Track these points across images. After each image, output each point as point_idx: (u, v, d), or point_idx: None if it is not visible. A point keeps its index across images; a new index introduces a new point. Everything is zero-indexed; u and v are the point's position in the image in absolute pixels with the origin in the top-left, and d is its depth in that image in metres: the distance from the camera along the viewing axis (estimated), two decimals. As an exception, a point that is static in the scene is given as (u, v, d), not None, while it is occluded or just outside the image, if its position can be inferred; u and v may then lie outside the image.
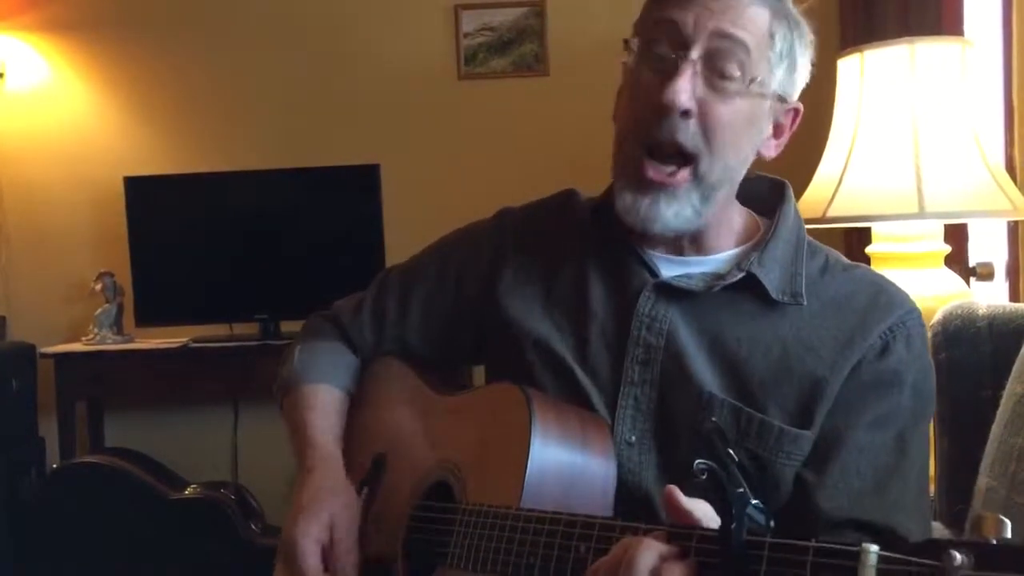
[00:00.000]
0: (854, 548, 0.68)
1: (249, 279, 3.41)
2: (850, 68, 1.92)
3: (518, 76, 3.52)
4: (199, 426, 3.53)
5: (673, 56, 1.00)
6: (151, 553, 2.90)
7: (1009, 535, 0.62)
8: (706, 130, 1.01)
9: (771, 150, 1.10)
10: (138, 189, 3.37)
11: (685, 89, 0.99)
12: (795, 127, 1.10)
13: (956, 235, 2.23)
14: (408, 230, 3.48)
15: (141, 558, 2.90)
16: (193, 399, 3.53)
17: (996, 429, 1.36)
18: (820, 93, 2.16)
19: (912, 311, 1.06)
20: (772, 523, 0.79)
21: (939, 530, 1.47)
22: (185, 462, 3.25)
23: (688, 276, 1.08)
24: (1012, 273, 2.22)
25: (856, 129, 1.88)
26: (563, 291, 1.13)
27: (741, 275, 1.05)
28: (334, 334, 1.33)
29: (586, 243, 1.15)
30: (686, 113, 1.00)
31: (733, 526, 0.74)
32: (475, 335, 1.22)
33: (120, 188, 3.36)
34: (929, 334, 1.54)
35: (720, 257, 1.10)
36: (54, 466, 3.13)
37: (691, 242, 1.10)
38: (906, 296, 1.08)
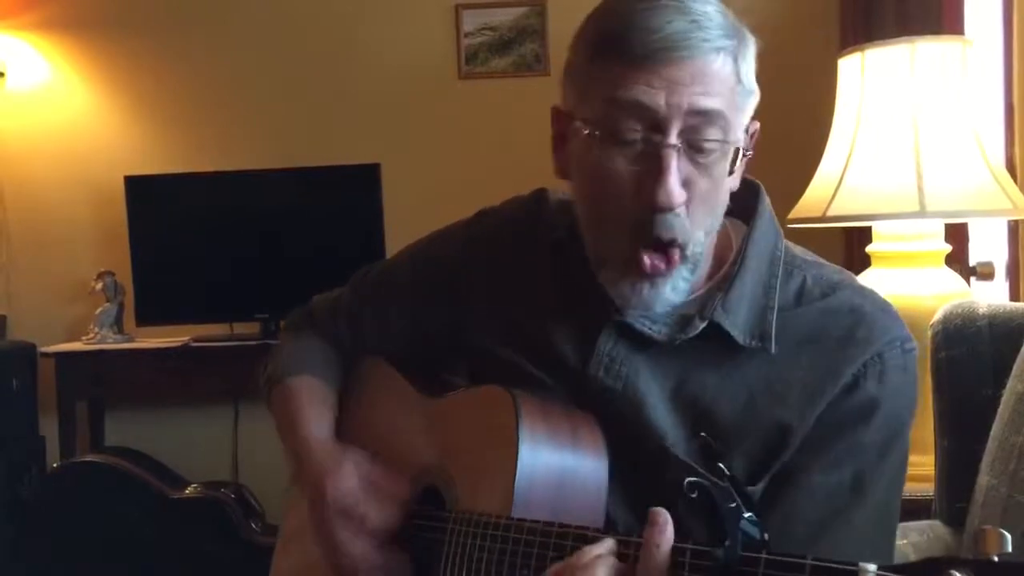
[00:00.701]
0: (851, 567, 0.66)
1: (249, 278, 3.41)
2: (851, 67, 1.92)
3: (519, 76, 3.52)
4: (199, 425, 3.54)
5: (650, 141, 0.92)
6: (151, 552, 2.90)
7: (1010, 550, 0.61)
8: (694, 212, 0.94)
9: (737, 179, 1.01)
10: (139, 188, 3.37)
11: (678, 184, 0.92)
12: (754, 143, 1.01)
13: (957, 234, 2.23)
14: (408, 229, 3.46)
15: (141, 557, 2.90)
16: (193, 398, 3.53)
17: (997, 427, 1.36)
18: (821, 93, 2.17)
19: (892, 342, 0.98)
20: (766, 536, 0.79)
21: (939, 528, 1.47)
22: (185, 461, 3.25)
23: (651, 320, 1.01)
24: (1012, 272, 2.22)
25: (857, 128, 1.88)
26: (529, 320, 1.08)
27: (703, 325, 0.99)
28: (315, 333, 1.32)
29: (551, 269, 1.10)
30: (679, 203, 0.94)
31: (727, 542, 0.73)
32: (449, 349, 1.19)
33: (121, 187, 3.36)
34: (929, 333, 1.54)
35: (686, 299, 1.02)
36: (54, 465, 3.14)
37: None
38: (890, 320, 1.01)
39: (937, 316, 1.55)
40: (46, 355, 3.29)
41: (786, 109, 3.56)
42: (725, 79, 0.93)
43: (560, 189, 1.17)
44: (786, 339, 0.99)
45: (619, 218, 0.95)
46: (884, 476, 0.99)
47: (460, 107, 3.54)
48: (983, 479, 1.35)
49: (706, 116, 0.92)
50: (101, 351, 3.32)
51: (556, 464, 0.98)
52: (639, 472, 1.00)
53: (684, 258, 0.96)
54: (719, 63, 0.92)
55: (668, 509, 0.90)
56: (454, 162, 3.51)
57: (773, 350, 0.98)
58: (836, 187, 1.88)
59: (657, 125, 0.91)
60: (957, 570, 0.60)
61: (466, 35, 3.53)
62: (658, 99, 0.90)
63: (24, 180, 3.58)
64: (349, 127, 3.53)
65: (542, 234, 1.12)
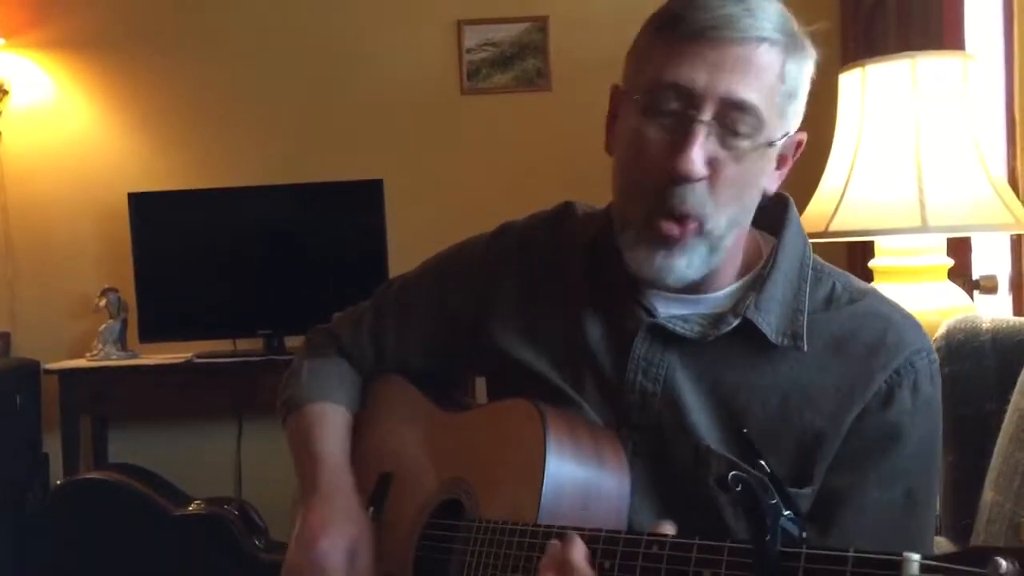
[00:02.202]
0: (895, 557, 0.66)
1: (253, 295, 3.42)
2: (852, 83, 1.92)
3: (520, 91, 3.53)
4: (203, 441, 3.53)
5: (684, 115, 0.95)
6: (154, 569, 2.89)
7: None
8: (713, 189, 0.96)
9: (773, 183, 1.05)
10: (142, 205, 3.38)
11: (700, 157, 0.94)
12: (799, 155, 1.05)
13: (959, 248, 2.23)
14: (411, 245, 3.48)
15: (144, 574, 2.89)
16: (197, 415, 3.53)
17: (1001, 443, 1.36)
18: (822, 108, 2.16)
19: (921, 350, 1.01)
20: (805, 535, 0.79)
21: (944, 545, 1.47)
22: (189, 478, 3.24)
23: (684, 319, 1.03)
24: (1015, 286, 2.21)
25: (858, 143, 1.89)
26: (559, 326, 1.10)
27: (737, 321, 1.01)
28: (336, 352, 1.32)
29: (582, 275, 1.11)
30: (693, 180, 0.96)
31: (768, 538, 0.73)
32: (473, 361, 1.21)
33: (124, 204, 3.37)
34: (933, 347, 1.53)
35: (718, 295, 1.05)
36: (58, 482, 3.13)
37: (696, 285, 1.05)
38: (917, 330, 1.03)
39: (940, 331, 1.55)
40: (50, 372, 3.30)
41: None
42: (766, 72, 0.95)
43: (585, 202, 1.20)
44: (816, 341, 1.00)
45: (644, 183, 0.98)
46: (931, 486, 1.02)
47: (462, 123, 3.55)
48: (988, 495, 1.34)
49: (740, 106, 0.94)
50: (105, 368, 3.33)
51: (582, 477, 0.99)
52: (677, 475, 1.01)
53: (702, 234, 0.98)
54: (763, 53, 0.95)
55: (707, 509, 0.95)
56: (456, 177, 3.52)
57: (805, 348, 1.00)
58: (838, 202, 1.88)
59: (693, 102, 0.94)
60: (1003, 558, 0.60)
61: (468, 51, 3.54)
62: (699, 78, 0.94)
63: (28, 197, 3.59)
64: (352, 143, 3.54)
65: (568, 244, 1.14)
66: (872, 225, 1.84)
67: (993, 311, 2.06)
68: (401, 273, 1.34)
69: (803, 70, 0.99)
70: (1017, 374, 1.38)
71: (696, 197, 0.96)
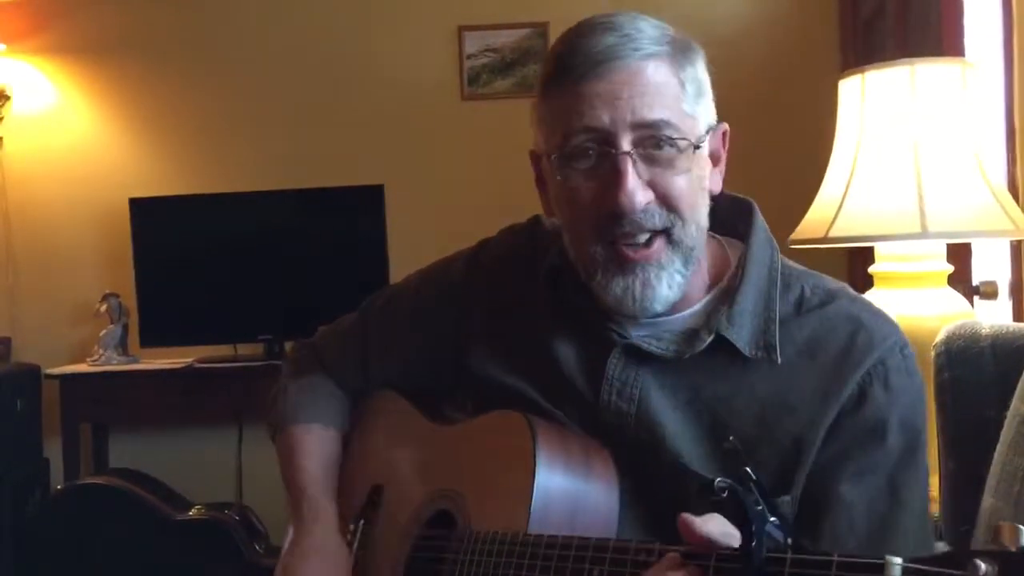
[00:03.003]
0: (878, 560, 0.67)
1: (253, 300, 3.42)
2: (851, 89, 1.93)
3: (521, 97, 3.53)
4: (203, 447, 3.54)
5: (605, 154, 0.96)
6: (154, 574, 2.89)
7: None
8: (671, 206, 0.98)
9: (716, 183, 1.05)
10: (143, 210, 3.39)
11: (636, 186, 0.96)
12: (727, 145, 1.06)
13: (959, 254, 2.23)
14: (412, 250, 3.49)
15: (145, 579, 2.89)
16: (197, 420, 3.53)
17: (1001, 449, 1.35)
18: (821, 114, 2.18)
19: (892, 345, 1.01)
20: (790, 540, 0.79)
21: (943, 549, 1.46)
22: (189, 483, 3.24)
23: (658, 337, 1.03)
24: (1016, 292, 2.21)
25: (858, 150, 1.89)
26: (536, 349, 1.10)
27: (711, 338, 1.01)
28: (321, 370, 1.33)
29: (553, 297, 1.11)
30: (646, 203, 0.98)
31: (753, 544, 0.74)
32: (454, 380, 1.20)
33: (125, 209, 3.38)
34: (932, 354, 1.53)
35: (688, 313, 1.05)
36: (58, 487, 3.13)
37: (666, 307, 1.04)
38: (887, 326, 1.04)
39: (940, 337, 1.54)
40: (50, 377, 3.30)
41: (787, 131, 3.58)
42: (664, 86, 0.97)
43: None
44: (789, 348, 1.01)
45: (594, 228, 0.99)
46: (917, 478, 1.01)
47: (463, 128, 3.55)
48: (987, 502, 1.34)
49: (652, 125, 0.96)
50: (105, 373, 3.33)
51: (571, 488, 0.99)
52: (657, 493, 1.01)
53: (673, 245, 0.99)
54: (653, 71, 0.96)
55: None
56: (457, 183, 3.52)
57: (779, 360, 1.00)
58: (838, 208, 1.88)
59: (608, 139, 0.96)
60: (982, 560, 0.60)
61: (469, 56, 3.55)
62: (602, 115, 0.95)
63: (30, 202, 3.60)
64: (353, 149, 3.55)
65: (540, 263, 1.13)
66: (872, 231, 1.84)
67: (993, 317, 2.06)
68: (388, 286, 1.35)
69: (698, 68, 1.01)
70: (1017, 380, 1.37)
71: (653, 218, 0.98)
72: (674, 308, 1.04)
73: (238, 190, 3.43)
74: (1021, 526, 0.62)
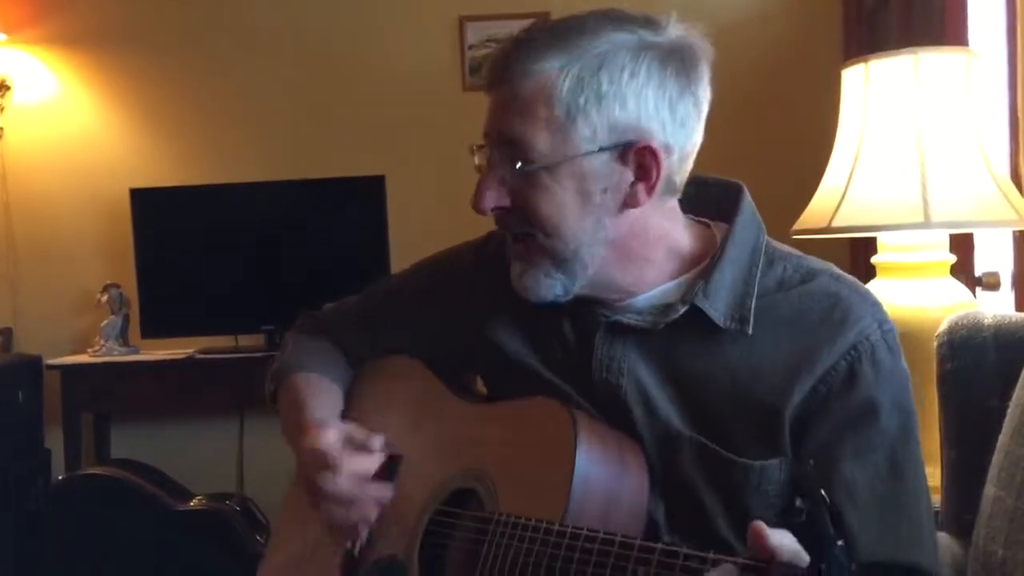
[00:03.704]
0: None
1: (254, 290, 3.42)
2: (854, 78, 1.92)
3: (523, 87, 3.52)
4: (204, 437, 3.54)
5: (484, 152, 1.06)
6: (156, 565, 2.90)
7: None
8: (529, 216, 1.03)
9: (642, 197, 1.03)
10: (144, 201, 3.38)
11: (486, 193, 1.04)
12: (662, 164, 1.01)
13: (962, 245, 2.22)
14: (413, 241, 3.48)
15: (146, 569, 2.90)
16: (198, 410, 3.53)
17: (1003, 439, 1.35)
18: (824, 104, 2.17)
19: (872, 322, 1.03)
20: (854, 566, 0.79)
21: (946, 540, 1.47)
22: (190, 473, 3.25)
23: (637, 312, 1.07)
24: (1018, 283, 2.21)
25: (861, 139, 1.88)
26: (536, 330, 1.13)
27: (685, 308, 1.03)
28: (326, 337, 1.36)
29: None
30: (502, 209, 1.04)
31: (823, 566, 0.74)
32: (464, 357, 1.23)
33: (126, 200, 3.37)
34: (935, 344, 1.53)
35: (665, 288, 1.08)
36: (60, 477, 3.14)
37: (615, 292, 1.08)
38: (867, 302, 1.05)
39: (942, 327, 1.54)
40: (51, 368, 3.30)
41: (790, 120, 3.57)
42: (532, 103, 1.00)
43: None
44: (767, 322, 1.03)
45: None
46: (914, 455, 1.03)
47: (464, 119, 3.51)
48: (990, 490, 1.34)
49: (509, 140, 1.01)
50: (106, 363, 3.33)
51: (606, 481, 1.00)
52: (655, 462, 1.04)
53: (541, 251, 1.04)
54: (527, 87, 1.00)
55: (686, 492, 0.99)
56: (458, 174, 3.49)
57: (750, 331, 1.02)
58: (840, 198, 1.88)
59: (487, 143, 1.05)
60: None
61: (470, 47, 3.54)
62: (486, 123, 1.05)
63: (30, 193, 3.59)
64: (354, 139, 3.54)
65: None
66: (874, 221, 1.84)
67: (996, 308, 2.06)
68: (395, 273, 1.37)
69: (604, 82, 0.98)
70: (1019, 370, 1.37)
71: (510, 224, 1.06)
72: (635, 292, 1.08)
73: (239, 181, 3.42)
74: None
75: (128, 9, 3.57)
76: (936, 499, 1.59)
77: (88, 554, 2.91)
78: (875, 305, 1.05)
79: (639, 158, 1.01)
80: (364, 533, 1.17)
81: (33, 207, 3.60)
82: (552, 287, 1.05)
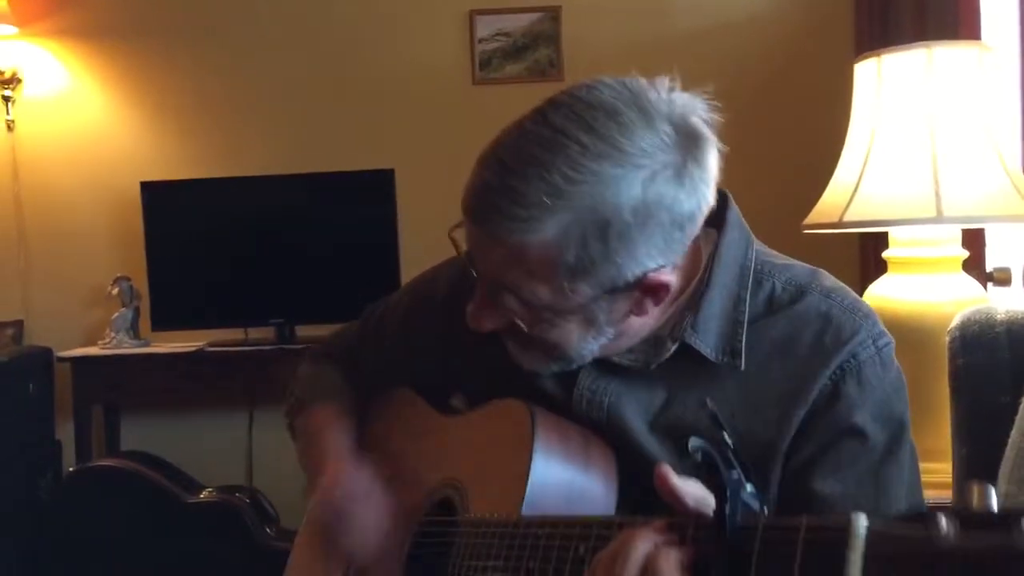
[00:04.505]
0: (842, 520, 0.66)
1: (264, 284, 3.42)
2: (867, 72, 1.91)
3: (533, 81, 3.52)
4: (214, 430, 3.55)
5: (473, 275, 0.97)
6: (166, 556, 2.91)
7: (994, 502, 0.62)
8: (532, 337, 0.97)
9: (649, 308, 0.98)
10: (155, 194, 3.39)
11: (485, 314, 0.97)
12: (671, 284, 0.96)
13: (974, 240, 2.22)
14: (422, 235, 3.48)
15: (156, 561, 2.91)
16: (209, 403, 3.54)
17: (1015, 435, 1.35)
18: (837, 98, 2.16)
19: (864, 339, 0.98)
20: (766, 509, 0.79)
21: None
22: (200, 466, 3.26)
23: (629, 349, 1.02)
24: (1030, 278, 2.20)
25: (873, 133, 1.88)
26: (512, 363, 1.07)
27: (675, 346, 0.99)
28: (334, 367, 1.37)
29: None
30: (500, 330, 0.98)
31: (728, 510, 0.73)
32: (445, 387, 1.21)
33: (137, 193, 3.38)
34: (947, 339, 1.53)
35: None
36: (70, 469, 3.15)
37: None
38: (858, 319, 1.00)
39: (954, 322, 1.54)
40: (62, 360, 3.31)
41: (802, 114, 3.56)
42: (530, 263, 0.90)
43: None
44: (758, 351, 1.00)
45: None
46: (901, 469, 0.99)
47: (474, 113, 3.54)
48: (1001, 487, 1.34)
49: (506, 288, 0.93)
50: (117, 356, 3.34)
51: (567, 479, 0.99)
52: (637, 494, 1.00)
53: (544, 348, 0.99)
54: (527, 250, 0.89)
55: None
56: (468, 168, 3.49)
57: (742, 367, 0.98)
58: (852, 193, 1.87)
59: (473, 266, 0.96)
60: (944, 516, 0.61)
61: (480, 41, 3.53)
62: (476, 257, 0.95)
63: (41, 186, 3.60)
64: (363, 133, 3.54)
65: None
66: (886, 216, 1.83)
67: (1007, 303, 2.05)
68: (388, 296, 1.36)
69: (596, 243, 0.89)
70: (1032, 366, 1.37)
71: (515, 330, 0.97)
72: (640, 326, 1.02)
73: (249, 174, 3.42)
74: (991, 485, 0.62)
75: (139, 2, 3.58)
76: (947, 495, 1.59)
77: (98, 546, 2.92)
78: (868, 317, 1.01)
79: (647, 284, 0.94)
80: None
81: (44, 200, 3.61)
82: (550, 367, 1.02)
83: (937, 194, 1.76)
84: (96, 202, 3.59)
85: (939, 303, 1.82)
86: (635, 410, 1.02)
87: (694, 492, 0.79)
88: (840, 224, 1.88)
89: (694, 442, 0.77)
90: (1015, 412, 1.37)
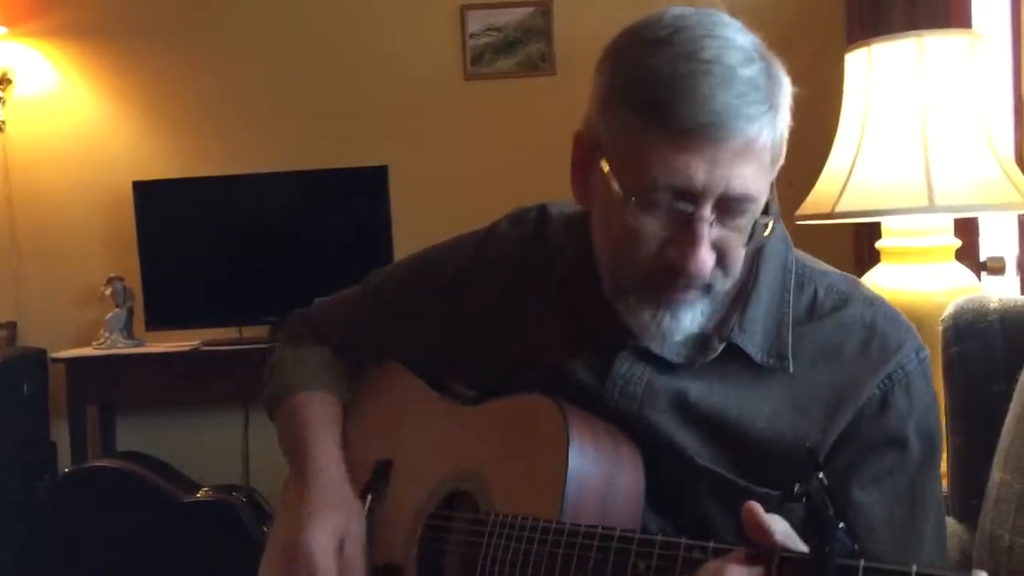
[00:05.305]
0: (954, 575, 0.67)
1: (258, 282, 3.42)
2: (858, 62, 1.91)
3: (525, 76, 3.52)
4: (210, 429, 3.54)
5: (684, 212, 0.90)
6: (163, 556, 2.91)
7: None
8: (725, 266, 0.95)
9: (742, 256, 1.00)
10: (147, 193, 3.38)
11: (708, 254, 0.91)
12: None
13: (967, 229, 2.22)
14: (417, 231, 3.48)
15: (153, 561, 2.90)
16: (204, 402, 3.54)
17: (1009, 423, 1.35)
18: (828, 88, 2.16)
19: (909, 352, 1.00)
20: (856, 547, 0.79)
21: (952, 525, 1.46)
22: (196, 465, 3.25)
23: (672, 345, 1.01)
24: (1023, 267, 2.20)
25: (865, 123, 1.87)
26: (536, 343, 1.09)
27: (722, 346, 1.00)
28: (316, 342, 1.32)
29: (563, 293, 1.09)
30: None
31: (827, 548, 0.73)
32: (452, 367, 1.20)
33: (129, 192, 3.37)
34: (940, 328, 1.53)
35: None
36: (66, 470, 3.14)
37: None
38: (902, 330, 1.02)
39: (947, 311, 1.53)
40: (56, 361, 3.31)
41: (793, 105, 3.55)
42: (762, 155, 0.91)
43: (561, 201, 1.17)
44: (802, 355, 1.00)
45: (645, 271, 0.95)
46: (936, 484, 1.02)
47: (466, 108, 3.54)
48: (996, 475, 1.34)
49: (739, 199, 0.91)
50: (111, 356, 3.33)
51: (602, 476, 0.98)
52: (661, 485, 1.01)
53: (708, 295, 0.97)
54: (759, 139, 0.90)
55: (696, 515, 0.96)
56: (461, 163, 3.51)
57: (791, 370, 0.99)
58: (844, 183, 1.87)
59: (692, 198, 0.90)
60: None
61: (471, 36, 3.53)
62: (697, 178, 0.89)
63: (33, 186, 3.59)
64: (356, 130, 3.53)
65: (549, 259, 1.12)
66: (879, 205, 1.83)
67: (1001, 292, 2.05)
68: (391, 264, 1.34)
69: (785, 121, 0.95)
70: (1025, 354, 1.37)
71: (707, 278, 0.94)
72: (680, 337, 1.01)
73: (241, 172, 3.41)
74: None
75: (129, 2, 3.56)
76: (943, 484, 1.59)
77: (95, 546, 2.92)
78: (910, 331, 1.03)
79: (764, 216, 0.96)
80: None
81: (36, 201, 3.60)
82: (698, 324, 0.98)
83: (929, 183, 1.76)
84: (88, 202, 3.58)
85: (932, 292, 1.82)
86: (668, 401, 1.01)
87: (781, 528, 0.79)
88: (832, 215, 1.88)
89: (800, 488, 0.79)
90: (1009, 400, 1.37)
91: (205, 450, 3.45)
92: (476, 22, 3.52)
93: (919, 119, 1.80)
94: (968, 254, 2.16)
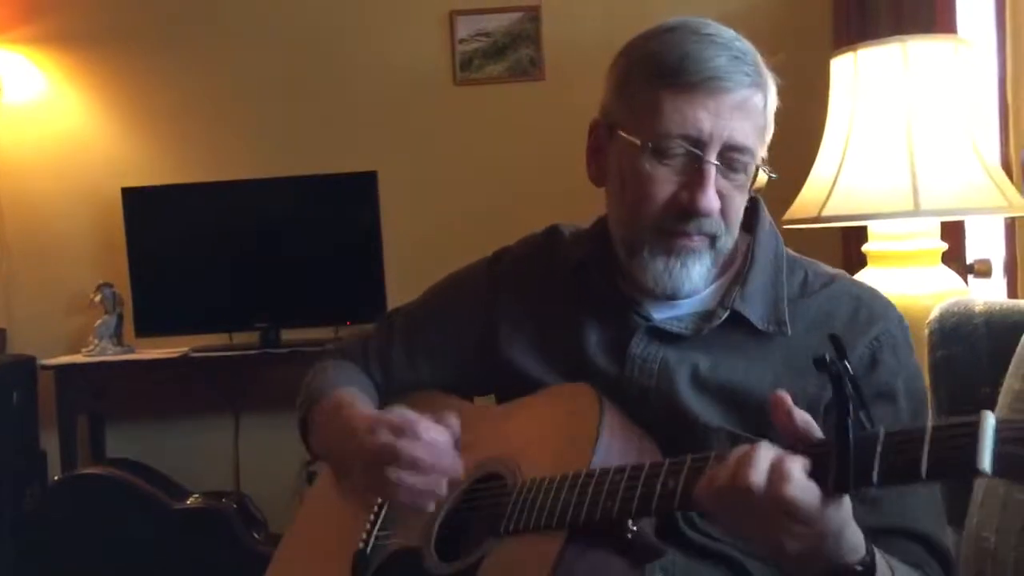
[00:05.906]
0: (971, 419, 0.74)
1: (248, 288, 3.42)
2: (844, 67, 1.92)
3: (514, 81, 3.52)
4: (200, 435, 3.54)
5: (694, 157, 1.06)
6: (154, 563, 2.90)
7: None
8: (727, 217, 1.10)
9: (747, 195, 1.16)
10: (136, 200, 3.37)
11: (715, 199, 1.07)
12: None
13: (953, 233, 2.23)
14: (406, 236, 3.49)
15: (144, 569, 2.89)
16: (194, 408, 3.53)
17: (995, 425, 1.36)
18: (814, 92, 2.17)
19: (893, 320, 1.13)
20: (882, 431, 0.83)
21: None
22: (187, 472, 3.25)
23: (678, 319, 1.14)
24: (1009, 270, 2.22)
25: (850, 128, 1.89)
26: (559, 339, 1.19)
27: (726, 314, 1.12)
28: (351, 364, 1.35)
29: (576, 289, 1.21)
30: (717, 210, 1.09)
31: (850, 419, 0.80)
32: (486, 381, 1.27)
33: (118, 199, 3.37)
34: (926, 332, 1.54)
35: (705, 294, 1.15)
36: (56, 478, 3.13)
37: (662, 294, 1.14)
38: (887, 305, 1.15)
39: (934, 314, 1.54)
40: (46, 368, 3.30)
41: (779, 109, 3.57)
42: (757, 113, 1.08)
43: (570, 223, 1.30)
44: (797, 325, 1.12)
45: (659, 216, 1.09)
46: None
47: (455, 113, 3.54)
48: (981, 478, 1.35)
49: (739, 149, 1.07)
50: (101, 363, 3.32)
51: (625, 456, 1.02)
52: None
53: (712, 248, 1.10)
54: (751, 98, 1.07)
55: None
56: (450, 168, 3.51)
57: (789, 332, 1.11)
58: (831, 187, 1.88)
59: (700, 145, 1.06)
60: None
61: (460, 41, 3.53)
62: (704, 126, 1.05)
63: (22, 193, 3.58)
64: (345, 135, 3.53)
65: (559, 264, 1.24)
66: (865, 209, 1.84)
67: (987, 295, 2.06)
68: (405, 304, 1.39)
69: (773, 98, 1.12)
70: (1010, 357, 1.38)
71: (711, 225, 1.09)
72: (692, 290, 1.13)
73: (230, 178, 3.41)
74: None
75: (118, 8, 3.56)
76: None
77: (86, 554, 2.91)
78: (892, 305, 1.15)
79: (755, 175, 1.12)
80: (431, 507, 1.09)
81: (25, 207, 3.59)
82: (702, 278, 1.11)
83: (914, 187, 1.77)
84: (77, 209, 3.57)
85: (918, 296, 1.83)
86: (684, 374, 1.10)
87: (803, 416, 0.87)
88: (819, 219, 1.89)
89: (820, 357, 0.84)
90: (994, 404, 1.38)
91: (195, 457, 3.44)
92: (465, 27, 3.53)
93: (905, 123, 1.82)
94: (955, 257, 2.18)
